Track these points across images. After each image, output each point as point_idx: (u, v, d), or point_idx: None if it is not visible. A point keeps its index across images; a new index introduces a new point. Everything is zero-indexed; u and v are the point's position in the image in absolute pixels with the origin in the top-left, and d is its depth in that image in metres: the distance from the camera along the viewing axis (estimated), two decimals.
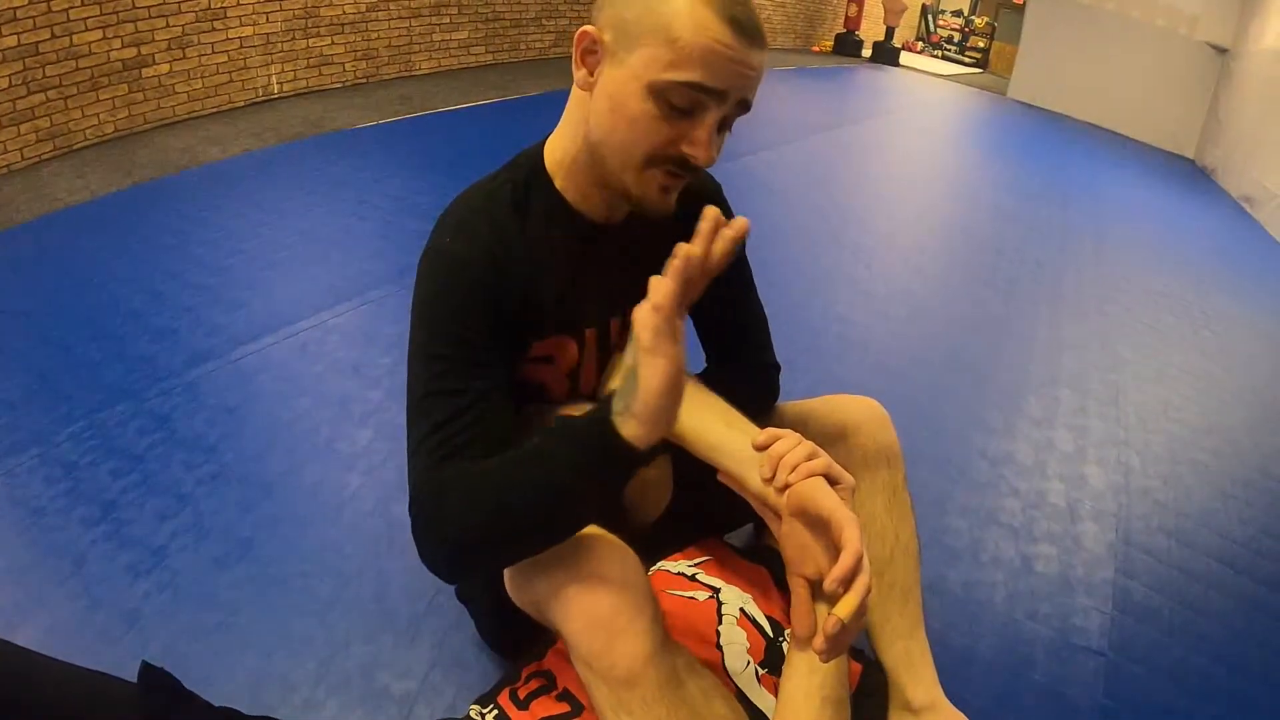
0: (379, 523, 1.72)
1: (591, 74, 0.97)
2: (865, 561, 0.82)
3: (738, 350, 1.26)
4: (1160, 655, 1.66)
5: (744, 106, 0.97)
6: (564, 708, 0.99)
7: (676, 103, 0.92)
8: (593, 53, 0.96)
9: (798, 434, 0.92)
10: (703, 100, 0.92)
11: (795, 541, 0.89)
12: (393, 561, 1.61)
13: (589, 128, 1.00)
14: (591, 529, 0.97)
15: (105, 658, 1.32)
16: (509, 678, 1.12)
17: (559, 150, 1.07)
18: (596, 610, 0.88)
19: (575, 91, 1.01)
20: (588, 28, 0.95)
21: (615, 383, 0.97)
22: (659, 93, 0.91)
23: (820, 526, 0.86)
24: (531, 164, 1.08)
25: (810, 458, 0.89)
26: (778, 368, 1.28)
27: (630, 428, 0.86)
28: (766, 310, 1.28)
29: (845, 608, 0.80)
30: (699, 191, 1.19)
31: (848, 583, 0.81)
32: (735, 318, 1.27)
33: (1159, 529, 2.08)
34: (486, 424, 0.96)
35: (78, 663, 0.94)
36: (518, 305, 1.03)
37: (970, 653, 1.59)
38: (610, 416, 0.87)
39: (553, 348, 1.10)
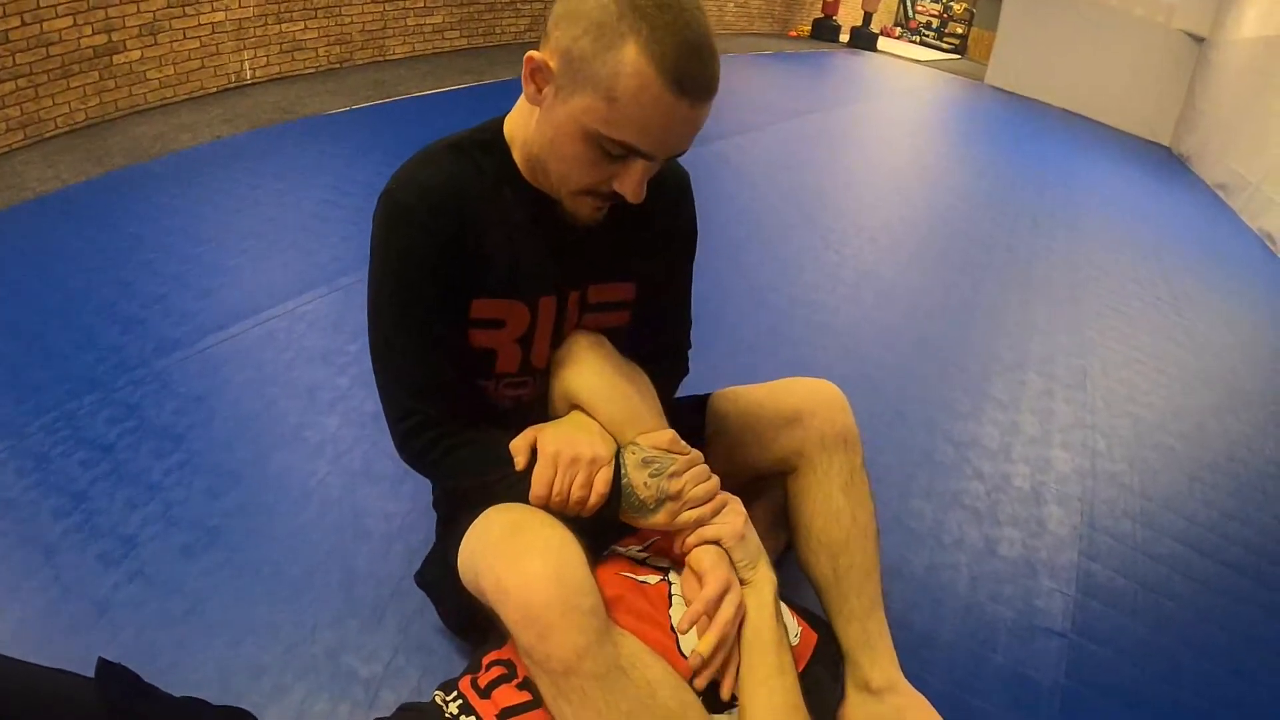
0: (346, 509, 1.72)
1: (540, 91, 0.99)
2: (726, 610, 1.02)
3: (656, 339, 1.31)
4: (1122, 637, 1.69)
5: (678, 153, 1.01)
6: (525, 696, 1.00)
7: (610, 150, 0.95)
8: (540, 73, 0.97)
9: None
10: (633, 155, 0.96)
11: (690, 584, 1.08)
12: (359, 547, 1.62)
13: (533, 141, 1.03)
14: (534, 515, 1.01)
15: (75, 647, 1.33)
16: (471, 665, 1.13)
17: (516, 131, 1.09)
18: (530, 604, 0.89)
19: None
20: (533, 54, 0.96)
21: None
22: (594, 139, 0.94)
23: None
24: (493, 132, 1.11)
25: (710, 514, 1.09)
26: (689, 344, 1.36)
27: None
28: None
29: (704, 645, 1.00)
30: (668, 182, 1.21)
31: (704, 622, 1.02)
32: (664, 325, 1.31)
33: (1124, 512, 2.11)
34: (435, 374, 1.10)
35: (48, 653, 0.94)
36: (465, 256, 1.07)
37: (932, 634, 1.62)
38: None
39: (503, 310, 1.12)
